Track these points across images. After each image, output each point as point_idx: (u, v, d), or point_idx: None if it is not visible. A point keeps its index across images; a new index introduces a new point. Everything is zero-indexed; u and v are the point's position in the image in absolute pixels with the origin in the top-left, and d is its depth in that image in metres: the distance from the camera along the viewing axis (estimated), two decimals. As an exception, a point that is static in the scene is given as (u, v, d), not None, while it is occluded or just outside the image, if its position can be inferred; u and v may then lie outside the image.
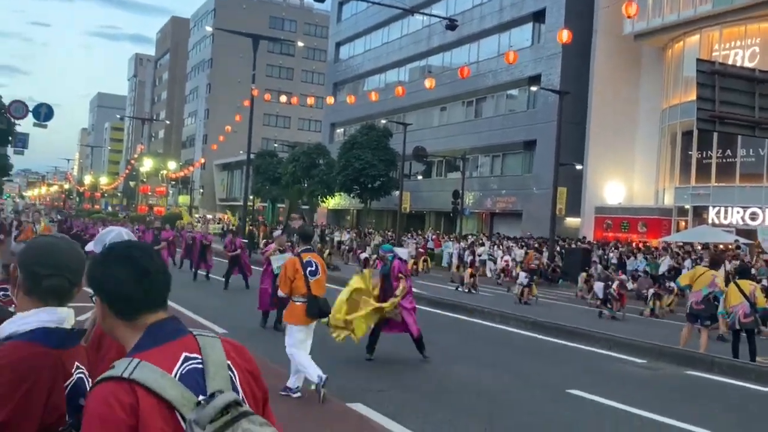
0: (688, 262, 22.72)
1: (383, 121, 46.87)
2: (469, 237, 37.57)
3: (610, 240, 32.44)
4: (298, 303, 7.44)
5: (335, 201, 53.57)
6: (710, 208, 31.58)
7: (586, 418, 7.38)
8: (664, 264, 24.17)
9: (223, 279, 18.64)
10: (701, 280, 11.53)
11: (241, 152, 56.99)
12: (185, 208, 72.85)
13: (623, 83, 36.97)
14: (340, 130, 60.58)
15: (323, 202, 52.57)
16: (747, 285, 11.56)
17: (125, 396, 1.56)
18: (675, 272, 21.91)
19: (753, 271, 18.14)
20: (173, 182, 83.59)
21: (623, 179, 37.57)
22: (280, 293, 8.01)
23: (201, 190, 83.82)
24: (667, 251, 25.92)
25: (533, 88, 38.29)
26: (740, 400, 8.81)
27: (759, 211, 29.90)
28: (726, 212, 31.00)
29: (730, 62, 27.69)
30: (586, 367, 10.52)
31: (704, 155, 32.55)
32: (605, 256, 27.33)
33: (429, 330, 13.23)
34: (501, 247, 31.91)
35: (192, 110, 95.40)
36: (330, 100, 45.05)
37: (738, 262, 18.83)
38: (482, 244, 33.01)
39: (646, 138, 36.57)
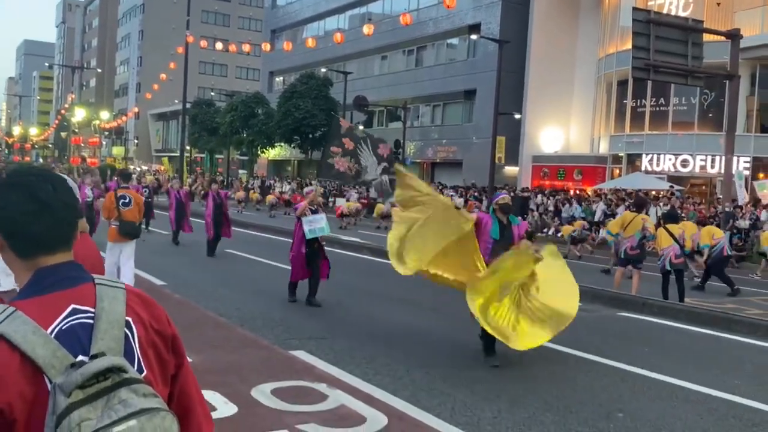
0: (621, 209, 23.33)
1: (323, 70, 46.21)
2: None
3: (546, 187, 33.06)
4: (113, 226, 9.39)
5: (275, 151, 52.92)
6: (643, 156, 32.41)
7: (524, 359, 7.58)
8: (599, 210, 24.80)
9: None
10: (632, 226, 11.87)
11: (176, 101, 55.58)
12: (117, 159, 70.95)
13: (561, 32, 37.20)
14: (279, 79, 59.52)
15: (263, 152, 51.86)
16: (676, 228, 11.97)
17: None
18: (611, 218, 22.49)
19: (683, 215, 18.80)
20: (106, 133, 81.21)
21: (560, 128, 38.12)
22: (103, 218, 9.79)
23: (135, 141, 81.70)
24: (601, 198, 26.59)
25: (473, 37, 38.23)
26: (671, 340, 9.18)
27: (690, 158, 30.83)
28: (658, 160, 31.87)
29: (664, 12, 28.11)
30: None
31: (638, 104, 33.23)
32: (542, 204, 27.86)
33: (372, 277, 13.34)
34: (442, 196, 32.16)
35: (124, 58, 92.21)
36: (267, 47, 44.09)
37: (669, 207, 19.47)
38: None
39: (583, 87, 37.06)
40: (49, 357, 1.38)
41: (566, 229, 21.38)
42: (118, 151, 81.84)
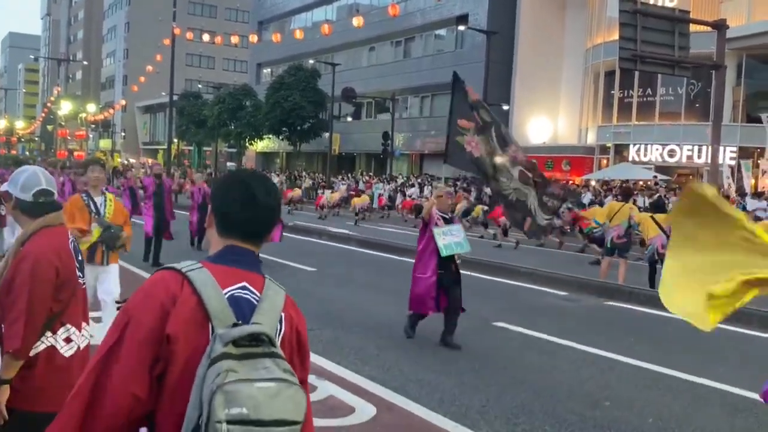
0: (609, 199, 23.44)
1: (311, 62, 46.05)
2: (399, 178, 37.76)
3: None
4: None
5: (264, 144, 52.75)
6: (631, 146, 32.56)
7: (510, 347, 7.64)
8: (586, 199, 24.91)
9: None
10: (619, 215, 11.94)
11: (163, 94, 55.27)
12: (103, 152, 70.50)
13: (549, 23, 37.24)
14: (266, 71, 59.28)
15: (251, 144, 51.70)
16: (663, 218, 12.05)
17: (174, 283, 1.67)
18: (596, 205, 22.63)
19: (670, 205, 18.90)
20: (93, 125, 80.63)
21: (548, 119, 38.22)
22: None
23: (123, 134, 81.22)
24: (588, 188, 26.72)
25: (461, 28, 38.20)
26: (657, 329, 9.26)
27: (677, 148, 31.00)
28: (646, 150, 32.02)
29: (651, 2, 28.18)
30: (511, 300, 10.84)
31: (626, 94, 33.35)
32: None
33: (360, 268, 13.36)
34: (431, 188, 32.20)
35: (110, 50, 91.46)
36: (253, 38, 43.85)
37: (656, 197, 19.58)
38: (412, 185, 33.24)
39: (570, 78, 37.14)
40: (219, 310, 1.66)
41: (477, 210, 21.90)
42: (105, 143, 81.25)
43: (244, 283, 1.74)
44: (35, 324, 2.85)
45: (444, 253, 7.40)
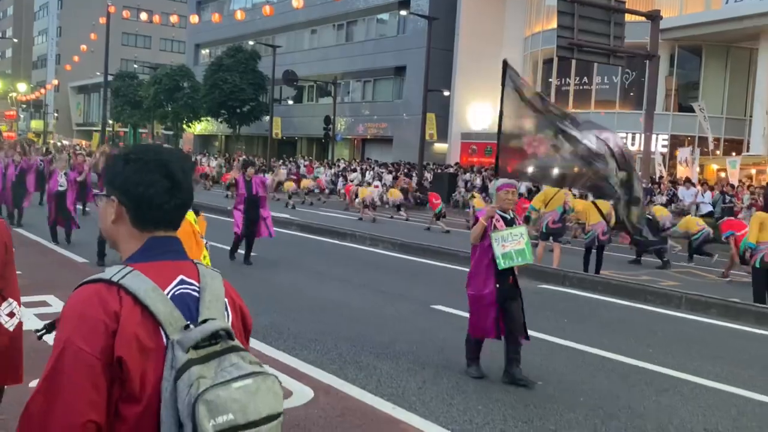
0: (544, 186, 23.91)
1: (251, 43, 45.42)
2: (341, 163, 37.68)
3: (475, 164, 33.54)
4: None
5: (202, 126, 51.91)
6: (568, 133, 33.17)
7: (447, 330, 7.75)
8: (523, 186, 25.33)
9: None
10: (555, 201, 12.21)
11: (98, 73, 53.74)
12: (34, 133, 68.28)
13: (489, 11, 37.58)
14: (205, 51, 58.21)
15: (189, 127, 50.78)
16: (605, 205, 12.33)
17: (110, 299, 1.47)
18: (535, 193, 23.04)
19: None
20: (24, 105, 77.86)
21: (489, 105, 38.62)
22: None
23: (55, 114, 78.69)
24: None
25: (402, 13, 38.21)
26: (589, 311, 9.52)
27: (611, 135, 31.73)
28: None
29: (589, -8, 28.71)
30: (449, 284, 10.97)
31: (563, 82, 33.98)
32: (470, 181, 28.27)
33: (299, 252, 13.32)
34: (372, 173, 32.25)
35: (42, 28, 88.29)
36: (194, 18, 43.01)
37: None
38: (354, 170, 33.22)
39: (510, 65, 37.54)
40: (167, 315, 1.50)
41: (363, 192, 22.48)
42: (36, 124, 78.63)
43: (180, 277, 1.59)
44: None
45: (502, 264, 6.00)
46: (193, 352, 1.45)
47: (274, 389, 1.50)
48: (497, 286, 6.03)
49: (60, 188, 12.55)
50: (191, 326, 1.49)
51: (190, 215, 2.90)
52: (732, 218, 14.50)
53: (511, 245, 6.04)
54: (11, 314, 3.06)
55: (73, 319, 1.47)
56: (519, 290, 6.20)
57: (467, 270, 11.45)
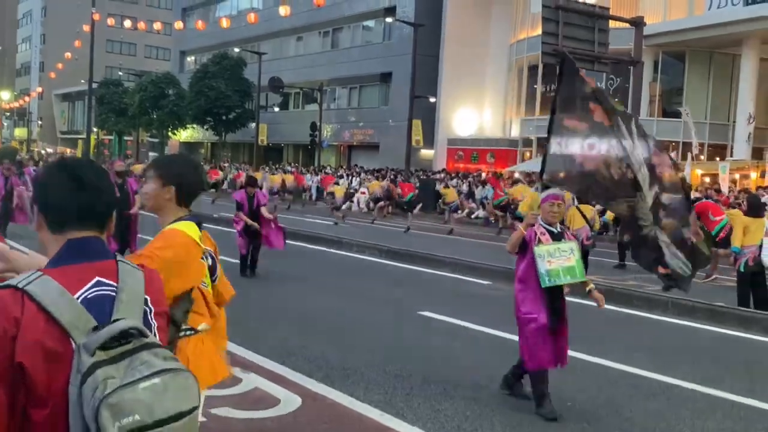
0: (532, 190, 23.99)
1: (237, 50, 45.36)
2: (327, 169, 37.68)
3: (461, 170, 33.63)
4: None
5: (188, 133, 51.76)
6: (553, 139, 33.34)
7: (434, 336, 7.75)
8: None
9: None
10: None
11: (82, 81, 53.43)
12: (16, 142, 67.79)
13: (475, 17, 37.75)
14: (190, 59, 58.08)
15: (174, 134, 50.60)
16: (588, 209, 12.41)
17: (14, 305, 1.47)
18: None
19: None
20: (7, 114, 77.33)
21: (474, 111, 38.79)
22: None
23: (39, 123, 78.18)
24: (512, 180, 27.29)
25: (388, 20, 38.32)
26: (575, 316, 9.53)
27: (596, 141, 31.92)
28: (567, 143, 32.84)
29: (573, -1, 28.95)
30: (436, 290, 10.99)
31: (548, 89, 34.14)
32: (456, 186, 28.33)
33: (286, 260, 13.28)
34: (358, 179, 32.28)
35: (26, 35, 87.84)
36: (179, 25, 42.92)
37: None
38: (341, 177, 33.22)
39: (496, 72, 37.77)
40: (74, 319, 1.49)
41: (338, 191, 23.36)
42: (20, 132, 78.11)
43: (96, 279, 1.58)
44: None
45: (546, 282, 5.31)
46: (102, 353, 1.44)
47: (186, 385, 1.49)
48: (551, 307, 5.39)
49: None
50: (99, 327, 1.49)
51: (192, 230, 2.74)
52: (709, 201, 14.40)
53: (558, 261, 5.34)
54: None
55: None
56: (565, 312, 5.64)
57: (455, 276, 11.35)
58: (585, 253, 12.21)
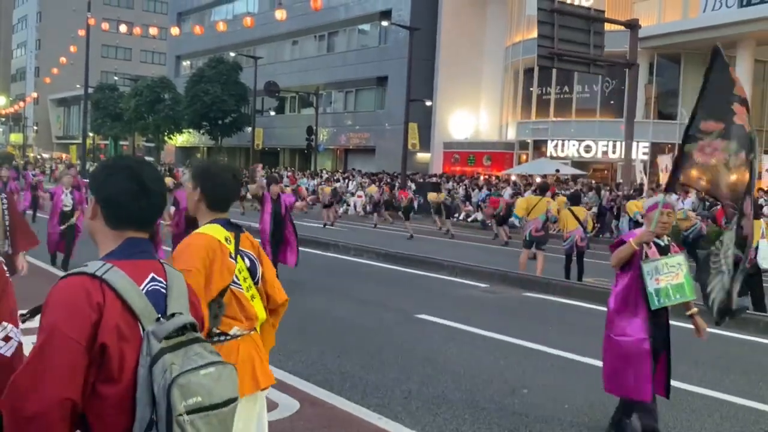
0: (528, 193, 24.03)
1: (232, 54, 45.35)
2: (323, 173, 37.67)
3: (458, 173, 33.65)
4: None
5: (184, 138, 51.71)
6: (548, 142, 33.43)
7: (432, 339, 7.74)
8: (506, 194, 25.44)
9: None
10: (537, 209, 12.28)
11: (78, 86, 53.39)
12: (13, 146, 67.63)
13: (470, 21, 37.82)
14: (186, 63, 58.05)
15: (170, 139, 50.55)
16: (581, 211, 12.44)
17: (95, 291, 1.66)
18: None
19: (586, 199, 19.56)
20: (3, 119, 77.20)
21: (471, 114, 38.83)
22: None
23: (35, 128, 78.06)
24: (509, 183, 27.32)
25: (384, 24, 38.37)
26: (572, 318, 9.56)
27: (593, 144, 32.02)
28: (563, 145, 32.95)
29: (568, 1, 29.00)
30: (434, 293, 10.99)
31: (544, 91, 34.21)
32: (453, 189, 28.35)
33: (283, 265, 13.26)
34: (355, 183, 32.29)
35: (21, 40, 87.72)
36: (174, 30, 42.92)
37: (573, 190, 20.17)
38: (337, 180, 33.22)
39: (491, 75, 37.83)
40: (143, 308, 1.71)
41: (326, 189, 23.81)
42: (15, 137, 77.97)
43: (152, 274, 1.79)
44: None
45: (656, 303, 4.79)
46: (165, 342, 1.65)
47: (233, 377, 1.73)
48: (652, 329, 4.80)
49: (65, 208, 11.11)
50: (162, 319, 1.70)
51: (216, 231, 2.86)
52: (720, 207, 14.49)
53: (667, 279, 4.78)
54: (6, 338, 2.95)
55: (59, 306, 1.65)
56: (669, 332, 5.02)
57: (452, 279, 11.28)
58: (580, 255, 12.25)
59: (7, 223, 5.94)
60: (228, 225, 2.93)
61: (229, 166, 3.34)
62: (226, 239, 2.87)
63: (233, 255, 2.90)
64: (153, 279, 1.78)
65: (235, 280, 2.89)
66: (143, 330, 1.68)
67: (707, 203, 20.36)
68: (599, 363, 6.91)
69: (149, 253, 1.85)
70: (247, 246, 3.04)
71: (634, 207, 16.21)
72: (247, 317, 2.94)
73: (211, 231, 2.88)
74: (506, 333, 8.09)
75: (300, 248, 10.50)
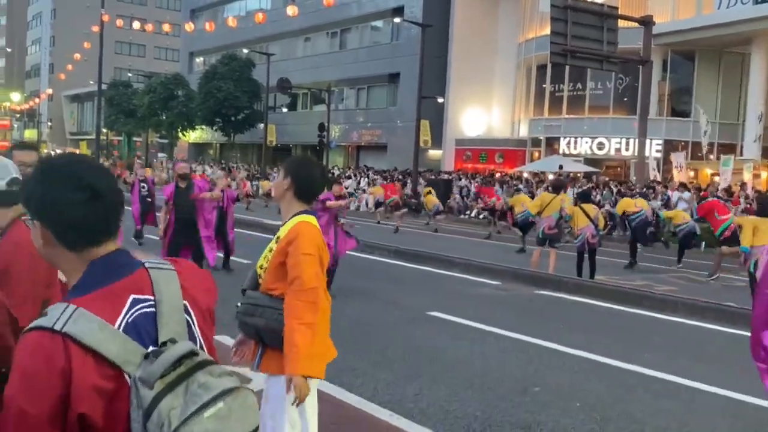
0: (540, 190, 23.93)
1: (245, 51, 45.44)
2: (335, 170, 37.71)
3: (469, 171, 33.59)
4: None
5: (197, 134, 51.88)
6: (561, 139, 33.31)
7: (444, 337, 7.73)
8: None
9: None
10: (551, 206, 12.23)
11: (91, 82, 53.62)
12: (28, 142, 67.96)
13: (483, 17, 37.71)
14: (199, 60, 58.22)
15: (183, 135, 50.74)
16: (591, 209, 12.38)
17: (57, 354, 1.32)
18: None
19: (598, 197, 19.46)
20: (18, 115, 77.72)
21: (483, 111, 38.74)
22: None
23: (49, 124, 78.55)
24: (521, 180, 27.24)
25: (396, 20, 38.32)
26: (585, 316, 9.52)
27: (605, 141, 31.87)
28: (576, 142, 32.81)
29: (581, -2, 28.88)
30: (445, 290, 10.98)
31: (557, 88, 34.07)
32: (465, 187, 28.31)
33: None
34: (367, 180, 32.31)
35: (36, 37, 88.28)
36: (188, 26, 43.03)
37: (585, 187, 20.09)
38: (349, 177, 33.25)
39: (504, 71, 37.71)
40: (122, 352, 1.36)
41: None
42: (30, 134, 78.45)
43: (132, 298, 1.44)
44: (36, 313, 2.74)
45: None
46: (160, 382, 1.33)
47: (247, 404, 1.38)
48: None
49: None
50: (150, 354, 1.36)
51: (314, 221, 3.47)
52: (716, 200, 14.34)
53: None
54: None
55: (18, 375, 1.33)
56: None
57: (464, 276, 11.31)
58: (592, 252, 12.20)
59: None
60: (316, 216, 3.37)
61: (318, 163, 3.69)
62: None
63: None
64: (134, 302, 1.43)
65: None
66: (129, 377, 1.35)
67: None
68: (613, 362, 6.91)
69: (126, 266, 1.47)
70: None
71: (625, 205, 15.20)
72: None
73: (312, 221, 3.35)
74: (518, 331, 8.06)
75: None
